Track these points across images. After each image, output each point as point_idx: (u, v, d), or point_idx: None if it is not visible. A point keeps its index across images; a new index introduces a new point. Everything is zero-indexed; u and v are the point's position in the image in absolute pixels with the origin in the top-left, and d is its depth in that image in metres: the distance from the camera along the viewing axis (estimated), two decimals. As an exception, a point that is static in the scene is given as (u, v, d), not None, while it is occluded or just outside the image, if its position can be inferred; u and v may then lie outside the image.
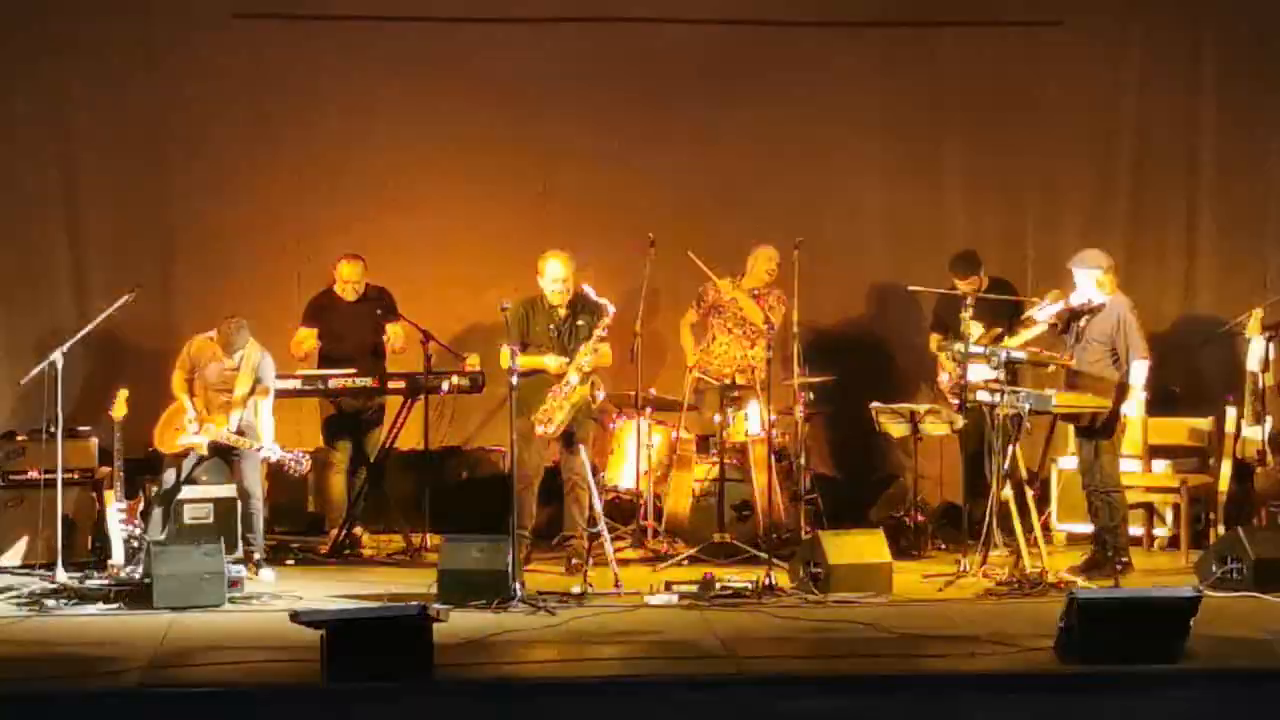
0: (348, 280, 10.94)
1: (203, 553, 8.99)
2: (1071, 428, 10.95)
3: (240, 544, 9.98)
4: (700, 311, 11.21)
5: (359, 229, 11.48)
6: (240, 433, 9.97)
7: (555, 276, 10.12)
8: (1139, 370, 9.83)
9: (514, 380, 9.30)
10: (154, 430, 10.13)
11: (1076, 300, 9.90)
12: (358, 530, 10.88)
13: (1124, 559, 9.85)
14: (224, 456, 10.10)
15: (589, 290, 10.09)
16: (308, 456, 10.15)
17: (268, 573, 9.85)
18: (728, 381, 10.81)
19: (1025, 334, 10.23)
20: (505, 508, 9.37)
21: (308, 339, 10.96)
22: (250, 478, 10.08)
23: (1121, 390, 9.80)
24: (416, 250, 11.68)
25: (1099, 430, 9.83)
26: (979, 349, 9.80)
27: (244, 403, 10.00)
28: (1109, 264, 9.96)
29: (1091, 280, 9.90)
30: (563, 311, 10.17)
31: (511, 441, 9.33)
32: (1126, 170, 12.11)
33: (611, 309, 10.02)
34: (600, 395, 10.06)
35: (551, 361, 10.06)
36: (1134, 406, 9.91)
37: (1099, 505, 9.89)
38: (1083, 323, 9.98)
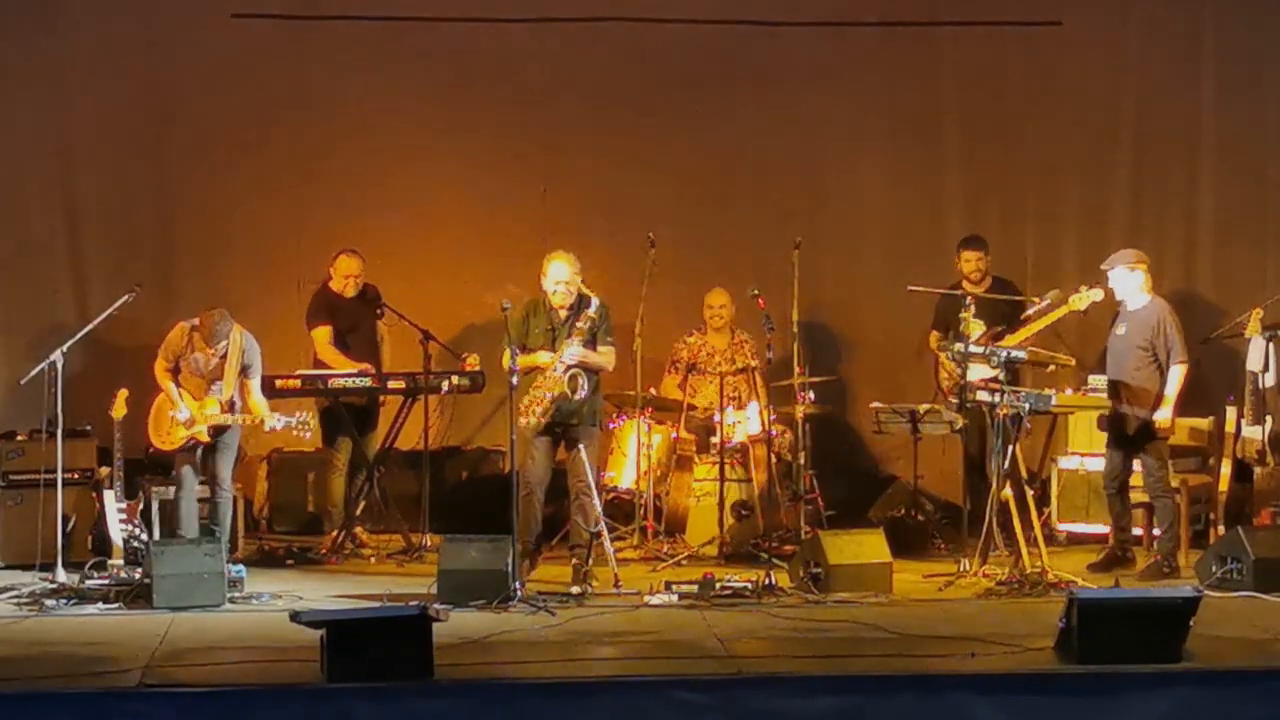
0: (349, 274, 10.92)
1: (203, 553, 8.99)
2: (1072, 428, 10.99)
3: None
4: (678, 373, 11.22)
5: (359, 228, 11.48)
6: (232, 411, 9.97)
7: (559, 278, 9.74)
8: (1176, 375, 9.83)
9: (514, 380, 9.28)
10: (148, 429, 10.11)
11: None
12: (358, 530, 10.87)
13: (1173, 563, 9.88)
14: (207, 448, 10.03)
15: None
16: (312, 416, 10.09)
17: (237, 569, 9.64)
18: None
19: (1023, 333, 10.23)
20: (505, 510, 9.35)
21: (326, 335, 10.92)
22: (224, 467, 10.03)
23: (1159, 399, 9.82)
24: (416, 250, 11.69)
25: (1141, 439, 9.84)
26: (979, 349, 9.80)
27: (234, 387, 9.98)
28: (1142, 258, 9.95)
29: (1135, 280, 9.87)
30: (563, 313, 9.82)
31: (512, 444, 9.33)
32: (1126, 170, 12.12)
33: (595, 301, 9.70)
34: (582, 392, 9.64)
35: (545, 357, 9.72)
36: (1168, 412, 9.88)
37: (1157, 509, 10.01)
38: (1122, 330, 9.96)
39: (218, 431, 10.00)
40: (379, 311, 11.03)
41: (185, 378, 10.05)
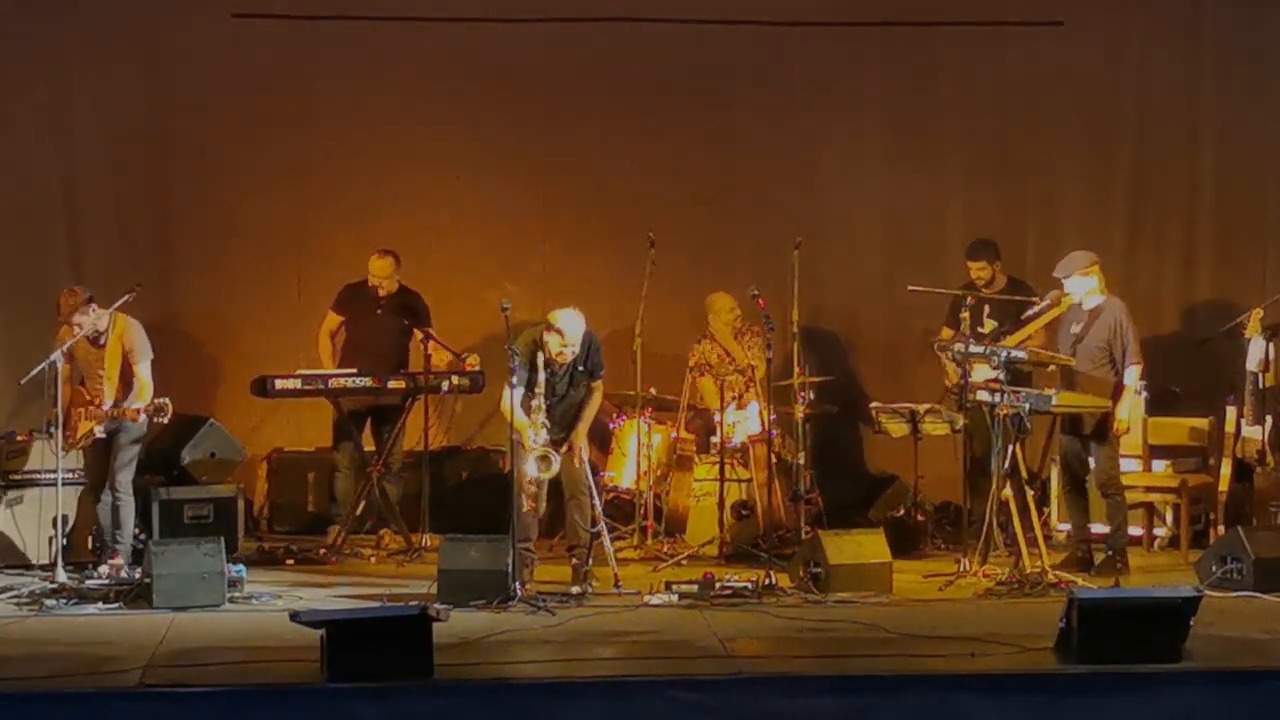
0: (377, 276, 10.90)
1: (202, 552, 8.99)
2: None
3: (110, 543, 9.72)
4: (694, 374, 11.24)
5: (359, 228, 11.50)
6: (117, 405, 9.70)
7: (569, 340, 9.47)
8: (1132, 375, 9.87)
9: (514, 379, 9.26)
10: (67, 437, 9.83)
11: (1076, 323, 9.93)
12: (383, 533, 10.85)
13: (1123, 560, 9.87)
14: (104, 445, 9.81)
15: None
16: (167, 401, 9.57)
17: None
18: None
19: (1019, 335, 10.23)
20: (505, 509, 9.34)
21: (327, 324, 10.95)
22: (121, 468, 9.76)
23: (1118, 392, 9.83)
24: (416, 250, 11.64)
25: (1096, 433, 9.86)
26: (978, 349, 9.80)
27: (116, 375, 9.72)
28: (1094, 259, 9.98)
29: (1090, 283, 9.91)
30: (562, 365, 9.59)
31: (511, 444, 9.32)
32: (1126, 170, 12.12)
33: (594, 345, 9.60)
34: (549, 471, 9.39)
35: (532, 440, 9.39)
36: (1126, 409, 9.92)
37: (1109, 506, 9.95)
38: (1078, 328, 9.99)
39: (111, 421, 9.70)
40: (405, 323, 10.96)
41: (90, 384, 9.80)
